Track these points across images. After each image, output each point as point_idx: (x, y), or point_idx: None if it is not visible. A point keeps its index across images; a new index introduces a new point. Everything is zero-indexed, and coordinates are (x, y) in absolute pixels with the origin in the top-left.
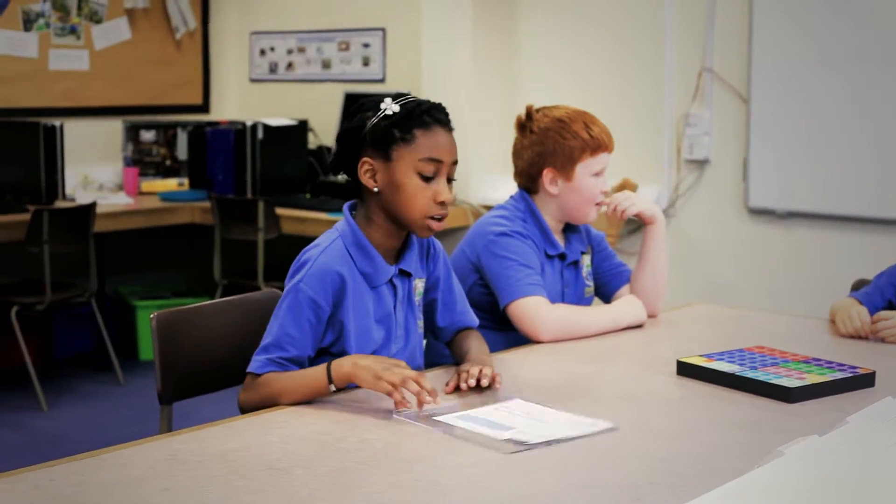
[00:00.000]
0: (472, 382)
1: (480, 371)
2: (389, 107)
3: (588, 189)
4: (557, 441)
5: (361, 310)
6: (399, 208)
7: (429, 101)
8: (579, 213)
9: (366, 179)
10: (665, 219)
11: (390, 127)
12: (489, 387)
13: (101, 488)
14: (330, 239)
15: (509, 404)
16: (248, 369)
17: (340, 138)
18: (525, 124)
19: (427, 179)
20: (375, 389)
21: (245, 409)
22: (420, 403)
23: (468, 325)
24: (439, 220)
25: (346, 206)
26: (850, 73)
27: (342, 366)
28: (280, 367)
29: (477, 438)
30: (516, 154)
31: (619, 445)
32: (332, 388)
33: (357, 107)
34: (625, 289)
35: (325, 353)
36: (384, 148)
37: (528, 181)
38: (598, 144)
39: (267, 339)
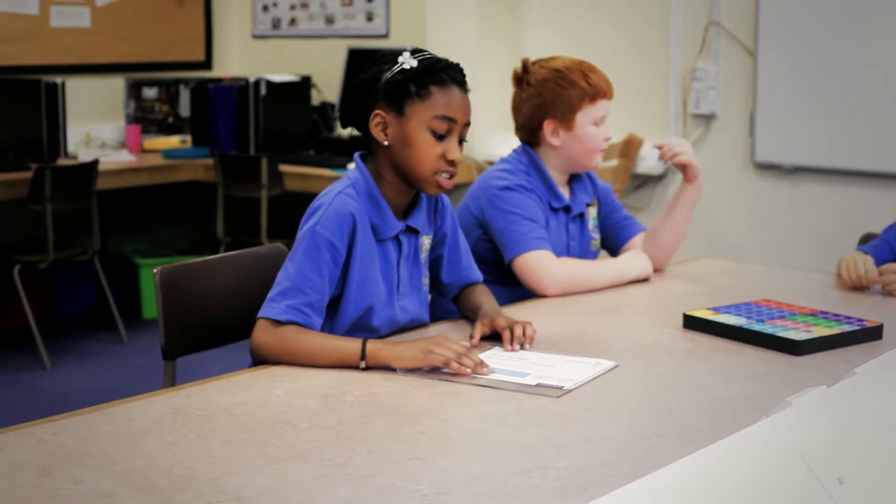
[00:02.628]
0: (517, 347)
1: (524, 331)
2: (407, 61)
3: (590, 137)
4: (581, 383)
5: (366, 259)
6: (408, 164)
7: (447, 60)
8: (583, 161)
9: (377, 132)
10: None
11: (406, 81)
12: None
13: (105, 441)
14: (342, 185)
15: (490, 352)
16: (265, 314)
17: (354, 89)
18: (522, 77)
19: (439, 137)
20: (426, 363)
21: (261, 353)
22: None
23: (473, 280)
24: (448, 177)
25: (356, 156)
26: (858, 27)
27: (379, 350)
28: (302, 314)
29: (513, 387)
30: (515, 108)
31: (626, 398)
32: (363, 365)
33: (374, 59)
34: (633, 241)
35: None
36: (398, 102)
37: (530, 134)
38: (597, 92)
39: (284, 283)
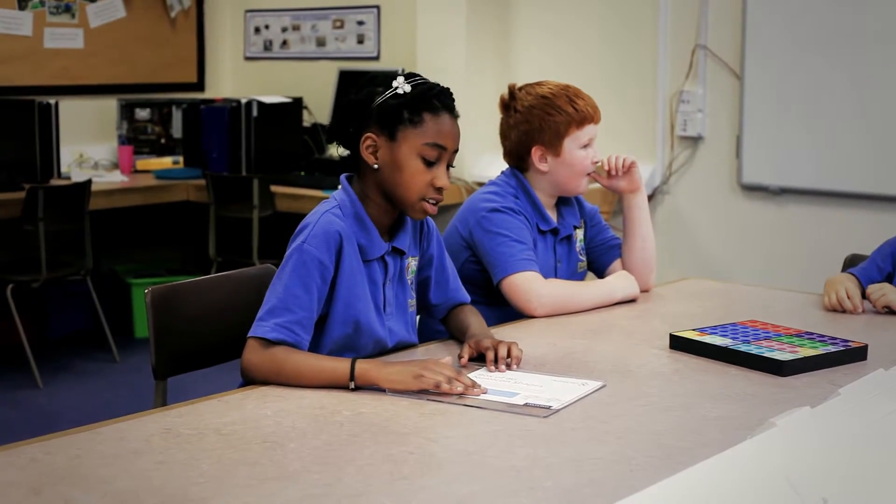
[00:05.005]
0: (503, 367)
1: (510, 352)
2: (401, 86)
3: (578, 162)
4: (569, 403)
5: (354, 278)
6: (396, 188)
7: (439, 86)
8: (570, 185)
9: (367, 155)
10: (659, 196)
11: (400, 107)
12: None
13: (96, 461)
14: (329, 205)
15: (477, 373)
16: (255, 333)
17: (345, 109)
18: (509, 104)
19: (428, 164)
20: (417, 387)
21: (251, 374)
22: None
23: (461, 301)
24: (434, 204)
25: (343, 177)
26: (844, 50)
27: (368, 371)
28: (290, 332)
29: (501, 407)
30: (503, 135)
31: (613, 418)
32: (352, 385)
33: (367, 79)
34: (618, 262)
35: None
36: (390, 126)
37: (518, 160)
38: (584, 117)
39: (272, 301)
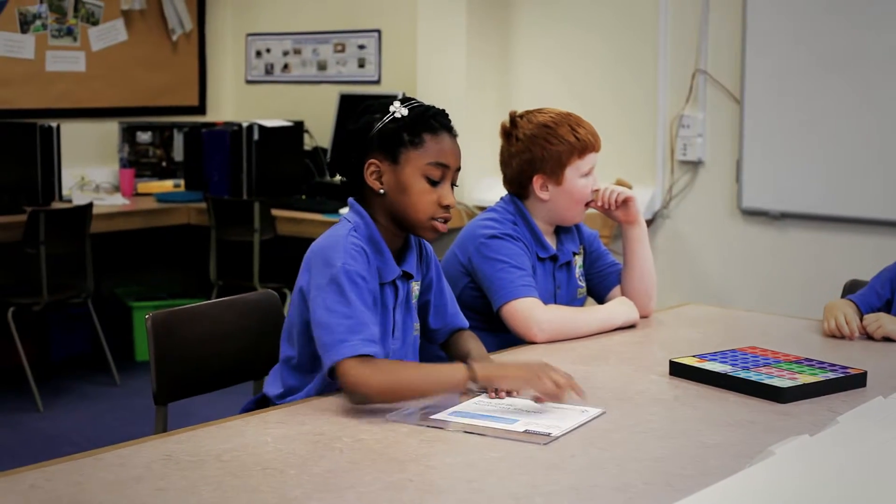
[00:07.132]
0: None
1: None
2: (398, 110)
3: (578, 190)
4: (569, 430)
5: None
6: (404, 210)
7: (434, 107)
8: (569, 213)
9: (371, 181)
10: (659, 220)
11: (399, 130)
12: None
13: (97, 488)
14: (346, 228)
15: (476, 399)
16: (346, 354)
17: (345, 139)
18: (510, 132)
19: (433, 183)
20: (534, 387)
21: (364, 390)
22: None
23: (460, 326)
24: (443, 222)
25: (351, 200)
26: (843, 74)
27: (486, 367)
28: (376, 346)
29: (501, 434)
30: (504, 162)
31: (612, 445)
32: (475, 386)
33: (362, 108)
34: (618, 288)
35: None
36: (392, 150)
37: (519, 188)
38: (585, 146)
39: (343, 322)
